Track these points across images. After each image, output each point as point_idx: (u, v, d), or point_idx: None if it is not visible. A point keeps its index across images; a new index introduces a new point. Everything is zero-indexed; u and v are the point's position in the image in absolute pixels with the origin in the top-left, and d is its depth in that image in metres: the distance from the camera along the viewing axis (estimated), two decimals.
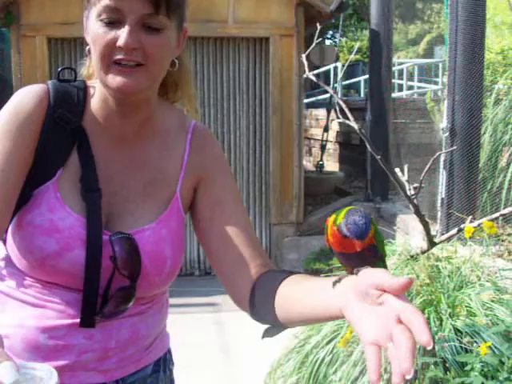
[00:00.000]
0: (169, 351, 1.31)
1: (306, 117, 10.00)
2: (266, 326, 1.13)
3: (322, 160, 8.08)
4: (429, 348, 0.73)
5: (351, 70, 15.88)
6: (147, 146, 1.19)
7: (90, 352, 1.12)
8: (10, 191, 1.06)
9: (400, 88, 11.71)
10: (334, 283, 0.90)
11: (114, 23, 1.04)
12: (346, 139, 8.40)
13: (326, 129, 8.15)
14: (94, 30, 1.05)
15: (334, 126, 8.63)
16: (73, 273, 1.09)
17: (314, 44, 2.82)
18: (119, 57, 1.04)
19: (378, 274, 0.81)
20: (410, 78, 11.92)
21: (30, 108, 1.10)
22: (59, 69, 1.18)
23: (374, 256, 0.98)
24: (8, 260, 1.13)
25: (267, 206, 6.08)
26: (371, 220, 0.95)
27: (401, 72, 11.90)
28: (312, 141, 10.11)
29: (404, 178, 3.03)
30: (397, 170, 3.11)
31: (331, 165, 9.06)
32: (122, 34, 1.03)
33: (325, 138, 8.21)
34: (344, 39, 20.68)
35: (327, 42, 20.07)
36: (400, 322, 0.76)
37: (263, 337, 1.14)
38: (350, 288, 0.84)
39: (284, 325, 1.07)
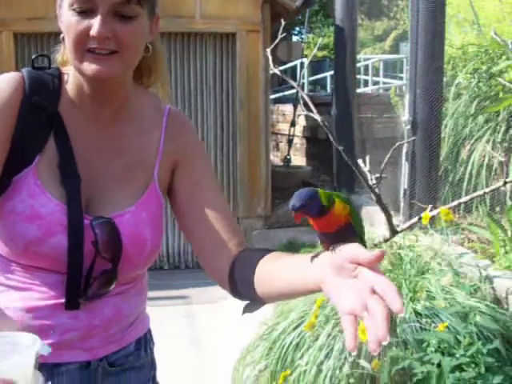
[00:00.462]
0: (149, 331, 1.35)
1: (273, 112, 10.09)
2: (245, 303, 1.17)
3: (289, 154, 8.16)
4: (401, 315, 0.80)
5: (318, 66, 16.01)
6: (124, 131, 1.22)
7: (74, 331, 1.16)
8: None
9: (366, 83, 11.87)
10: (312, 258, 0.95)
11: (87, 12, 1.06)
12: (312, 134, 8.50)
13: (292, 124, 8.24)
14: (67, 19, 1.07)
15: (301, 121, 8.73)
16: (56, 258, 1.12)
17: (278, 39, 2.90)
18: (93, 46, 1.06)
19: (352, 248, 0.86)
20: (376, 73, 12.09)
21: (6, 95, 1.12)
22: (33, 56, 1.21)
23: (350, 234, 1.01)
24: None
25: (235, 199, 6.15)
26: (315, 197, 0.99)
27: (367, 68, 12.07)
28: (279, 136, 10.19)
29: (366, 169, 3.13)
30: (359, 161, 3.21)
31: (298, 159, 9.16)
32: (95, 24, 1.05)
33: (292, 133, 8.30)
34: (311, 35, 20.83)
35: (294, 39, 20.18)
36: (374, 292, 0.80)
37: (243, 313, 1.17)
38: (327, 262, 0.89)
39: (264, 300, 1.11)
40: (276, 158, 9.77)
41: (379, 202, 3.03)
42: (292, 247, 5.44)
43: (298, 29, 19.85)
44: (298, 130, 8.77)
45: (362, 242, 1.04)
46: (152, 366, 1.36)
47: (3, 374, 0.62)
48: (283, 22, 3.10)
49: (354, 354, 0.82)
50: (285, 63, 13.95)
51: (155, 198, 1.22)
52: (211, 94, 6.01)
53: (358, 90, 8.99)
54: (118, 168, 1.20)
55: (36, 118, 1.14)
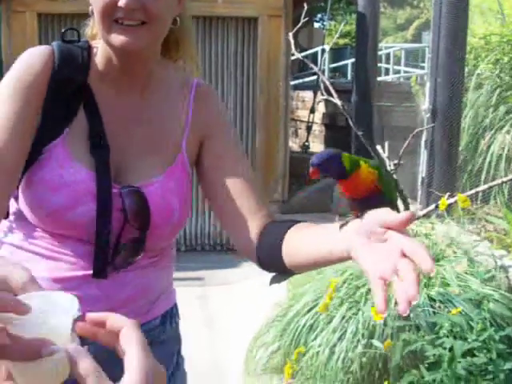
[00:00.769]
0: (175, 306, 1.36)
1: (292, 98, 10.08)
2: (272, 274, 1.17)
3: (307, 141, 8.18)
4: (432, 275, 0.78)
5: (339, 54, 15.95)
6: (152, 103, 1.23)
7: (101, 302, 1.16)
8: (19, 152, 1.10)
9: (387, 72, 11.81)
10: (341, 226, 0.95)
11: None
12: (331, 121, 8.50)
13: (312, 110, 8.25)
14: None
15: (321, 108, 8.73)
16: (84, 226, 1.13)
17: (300, 23, 2.90)
18: (120, 16, 1.07)
19: (382, 212, 0.87)
20: (397, 62, 12.02)
21: (36, 69, 1.13)
22: (63, 30, 1.21)
23: (380, 201, 0.97)
24: (19, 214, 1.17)
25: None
26: (336, 157, 0.97)
27: (388, 56, 11.99)
28: (298, 122, 10.19)
29: (385, 155, 3.14)
30: (378, 147, 3.23)
31: (317, 146, 9.16)
32: None
33: (311, 120, 8.31)
34: (333, 22, 20.71)
35: (316, 25, 20.09)
36: (404, 255, 0.80)
37: (271, 283, 1.18)
38: (355, 229, 0.90)
39: (291, 270, 1.12)
40: (294, 145, 9.78)
41: (397, 187, 3.04)
42: None
43: (319, 16, 19.75)
44: (318, 116, 8.77)
45: (394, 209, 1.00)
46: (177, 339, 1.37)
47: (43, 335, 0.61)
48: (306, 6, 3.10)
49: (385, 315, 0.83)
50: (306, 50, 13.91)
51: (183, 169, 1.23)
52: (231, 79, 6.02)
53: (379, 78, 8.94)
54: (146, 138, 1.22)
55: (66, 90, 1.15)
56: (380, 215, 0.87)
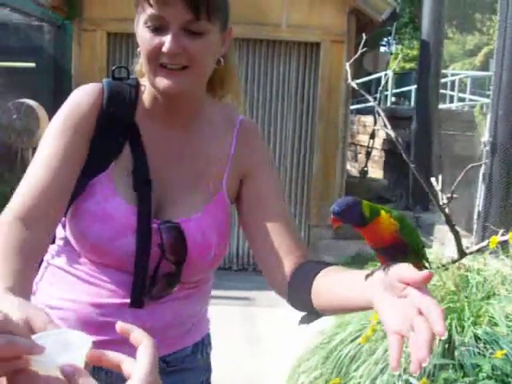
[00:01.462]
0: (208, 336, 1.39)
1: (353, 123, 10.06)
2: (302, 314, 1.18)
3: (366, 166, 8.14)
4: (442, 338, 0.80)
5: (404, 78, 15.81)
6: (196, 140, 1.27)
7: None
8: (66, 184, 1.15)
9: (451, 99, 11.64)
10: (367, 276, 0.97)
11: (159, 29, 1.11)
12: (391, 147, 8.43)
13: (372, 136, 8.21)
14: (142, 36, 1.14)
15: (381, 134, 8.68)
16: (124, 257, 1.17)
17: (358, 53, 2.93)
18: (165, 61, 1.12)
19: (402, 268, 0.88)
20: (463, 89, 11.84)
21: (85, 107, 1.19)
22: (113, 67, 1.29)
23: (402, 252, 1.00)
24: (66, 240, 1.23)
25: (307, 207, 6.19)
26: (355, 205, 1.00)
27: (453, 83, 11.83)
28: (358, 147, 10.15)
29: (438, 188, 3.11)
30: (432, 179, 3.19)
31: (376, 172, 9.10)
32: (167, 40, 1.10)
33: (371, 145, 8.26)
34: (399, 47, 20.58)
35: (382, 49, 20.00)
36: (421, 313, 0.81)
37: (300, 323, 1.20)
38: (379, 281, 0.92)
39: (319, 312, 1.13)
40: (353, 169, 9.74)
41: (448, 222, 3.00)
42: (359, 259, 5.42)
43: (385, 39, 19.66)
44: (378, 142, 8.72)
45: (420, 261, 1.04)
46: (207, 369, 1.39)
47: (57, 369, 0.67)
48: (364, 36, 3.12)
49: (396, 372, 0.85)
50: (371, 74, 13.85)
51: (222, 206, 1.26)
52: (292, 102, 6.07)
53: (442, 106, 8.84)
54: (188, 175, 1.25)
55: (113, 127, 1.21)
56: (400, 271, 0.88)
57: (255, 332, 4.49)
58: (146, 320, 1.21)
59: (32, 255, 1.05)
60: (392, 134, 2.81)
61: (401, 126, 7.40)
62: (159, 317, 1.23)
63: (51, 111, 5.84)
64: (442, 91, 8.81)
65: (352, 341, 2.95)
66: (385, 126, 2.82)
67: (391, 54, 13.16)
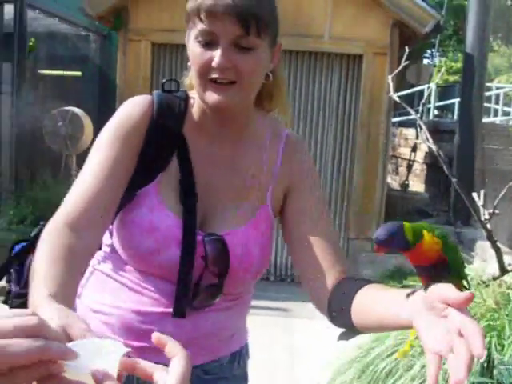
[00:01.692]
0: (246, 345, 1.41)
1: (395, 135, 9.98)
2: (341, 330, 1.19)
3: (407, 180, 8.07)
4: (481, 360, 0.81)
5: (447, 91, 15.63)
6: (242, 153, 1.29)
7: (177, 339, 1.20)
8: (115, 194, 1.17)
9: (496, 113, 11.46)
10: (408, 295, 0.98)
11: (210, 44, 1.13)
12: (433, 160, 8.34)
13: (414, 149, 8.14)
14: (193, 50, 1.16)
15: (423, 147, 8.59)
16: (168, 268, 1.20)
17: (401, 66, 2.91)
18: (214, 75, 1.14)
19: (444, 288, 0.88)
20: (508, 103, 11.65)
21: (136, 118, 1.21)
22: (164, 80, 1.30)
23: (444, 271, 1.01)
24: (112, 247, 1.26)
25: (347, 220, 6.16)
26: (398, 232, 1.00)
27: (498, 97, 11.65)
28: (400, 160, 10.07)
29: (480, 203, 3.07)
30: (474, 194, 3.15)
31: (417, 185, 9.01)
32: (217, 55, 1.12)
33: (412, 158, 8.19)
34: (443, 59, 20.36)
35: (425, 61, 19.81)
36: (461, 334, 0.81)
37: (339, 339, 1.20)
38: (420, 301, 0.92)
39: (359, 329, 1.14)
40: (394, 182, 9.66)
41: (490, 238, 2.96)
42: (398, 273, 5.37)
43: (429, 52, 19.49)
44: (420, 155, 8.64)
45: (460, 280, 1.05)
46: (244, 378, 1.42)
47: (85, 378, 0.69)
48: (407, 50, 3.10)
49: None
50: (413, 86, 13.74)
51: (266, 219, 1.28)
52: (333, 113, 6.06)
53: (486, 120, 8.71)
54: (233, 188, 1.27)
55: (162, 139, 1.23)
56: (441, 291, 0.88)
57: (292, 343, 4.49)
58: (186, 329, 1.23)
59: (78, 262, 1.07)
60: (434, 147, 2.79)
61: (443, 140, 7.33)
62: (200, 326, 1.25)
63: (96, 119, 6.03)
64: (486, 104, 8.70)
65: (389, 355, 2.92)
66: (427, 139, 2.80)
67: (434, 66, 13.04)
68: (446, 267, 1.02)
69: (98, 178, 1.15)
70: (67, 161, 7.15)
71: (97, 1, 5.81)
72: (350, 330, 1.17)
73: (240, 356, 1.38)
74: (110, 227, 1.24)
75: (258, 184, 1.29)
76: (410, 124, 10.32)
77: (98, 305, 1.27)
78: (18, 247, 1.36)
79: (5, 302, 1.36)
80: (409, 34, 5.90)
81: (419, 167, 9.04)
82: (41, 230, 1.27)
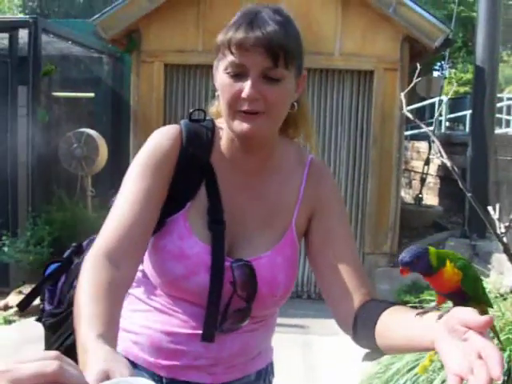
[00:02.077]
0: (271, 364, 1.44)
1: (408, 149, 9.99)
2: (366, 350, 1.26)
3: (421, 193, 8.06)
4: (498, 382, 0.84)
5: (458, 103, 15.62)
6: (267, 180, 1.33)
7: (204, 358, 1.28)
8: (148, 225, 1.21)
9: (508, 124, 11.44)
10: (418, 313, 1.04)
11: (239, 76, 1.18)
12: (446, 173, 8.34)
13: (427, 162, 8.14)
14: (222, 81, 1.21)
15: (436, 160, 8.59)
16: (198, 293, 1.24)
17: (413, 83, 2.94)
18: (244, 108, 1.19)
19: (464, 312, 0.92)
20: None
21: (166, 148, 1.26)
22: (191, 110, 1.33)
23: (462, 299, 1.06)
24: (144, 273, 1.32)
25: (362, 234, 6.17)
26: (424, 256, 1.05)
27: (510, 107, 11.64)
28: (412, 173, 10.07)
29: (495, 216, 3.07)
30: (489, 207, 3.16)
31: (430, 198, 9.00)
32: (246, 87, 1.17)
33: (425, 171, 8.19)
34: (453, 70, 20.37)
35: (435, 74, 19.82)
36: (481, 357, 0.85)
37: (363, 360, 1.28)
38: (442, 323, 0.96)
39: (382, 350, 1.17)
40: (407, 196, 9.65)
41: (506, 251, 2.96)
42: (415, 288, 5.35)
43: (439, 64, 19.51)
44: (433, 168, 8.64)
45: (479, 306, 1.07)
46: None
47: None
48: (419, 66, 3.13)
49: None
50: (424, 99, 13.75)
51: (291, 244, 1.32)
52: (345, 129, 6.09)
53: (498, 131, 8.70)
54: (259, 214, 1.31)
55: (191, 168, 1.27)
56: (463, 315, 0.92)
57: (311, 360, 4.48)
58: (213, 350, 1.28)
59: (120, 294, 1.11)
60: (448, 163, 2.81)
61: (456, 152, 7.33)
62: (226, 348, 1.30)
63: (109, 140, 6.08)
64: (497, 115, 8.70)
65: (409, 371, 2.93)
66: (440, 155, 2.82)
67: (445, 78, 13.03)
68: (463, 297, 1.06)
69: (133, 210, 1.19)
70: (82, 182, 7.22)
71: (109, 24, 5.89)
72: (374, 350, 1.20)
73: (266, 374, 1.42)
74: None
75: (283, 210, 1.33)
76: (423, 137, 10.33)
77: (130, 325, 1.32)
78: (50, 268, 1.43)
79: (39, 320, 1.43)
80: (419, 48, 5.94)
81: (432, 180, 9.03)
82: (72, 252, 1.44)
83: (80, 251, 1.43)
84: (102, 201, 7.70)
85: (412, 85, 3.26)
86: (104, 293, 1.05)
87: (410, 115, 2.81)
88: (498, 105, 9.36)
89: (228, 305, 1.25)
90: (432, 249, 1.06)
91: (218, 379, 1.32)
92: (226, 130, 1.28)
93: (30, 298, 1.45)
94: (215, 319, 1.25)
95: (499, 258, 5.31)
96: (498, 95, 8.19)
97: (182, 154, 1.27)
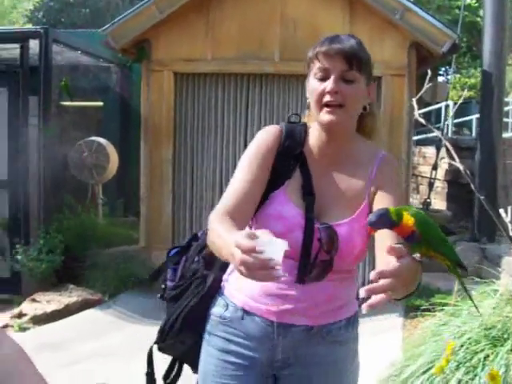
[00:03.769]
0: (356, 313, 1.79)
1: (414, 154, 10.01)
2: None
3: (429, 198, 8.08)
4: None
5: (463, 108, 15.63)
6: (346, 165, 1.73)
7: (304, 302, 1.68)
8: (255, 196, 1.66)
9: None
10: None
11: (324, 79, 1.63)
12: (454, 178, 8.37)
13: (434, 167, 8.16)
14: (312, 85, 1.66)
15: (443, 165, 8.62)
16: (293, 248, 1.52)
17: (424, 89, 2.99)
18: (327, 99, 1.62)
19: (389, 259, 1.32)
20: None
21: (270, 142, 1.72)
22: (289, 114, 1.81)
23: (416, 239, 1.36)
24: None
25: (372, 238, 6.18)
26: (385, 215, 1.37)
27: None
28: (420, 178, 10.09)
29: (507, 219, 3.12)
30: (501, 210, 3.20)
31: (438, 203, 9.02)
32: (329, 83, 1.61)
33: (433, 176, 8.21)
34: (457, 75, 20.37)
35: (439, 79, 19.84)
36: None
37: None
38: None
39: None
40: (415, 201, 9.67)
41: None
42: (425, 292, 5.38)
43: (443, 69, 19.53)
44: (440, 173, 8.66)
45: (432, 252, 1.42)
46: (356, 340, 1.80)
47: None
48: (429, 72, 3.19)
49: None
50: (429, 104, 13.77)
51: (365, 214, 1.65)
52: None
53: (506, 135, 8.73)
54: (340, 191, 1.71)
55: (288, 156, 1.72)
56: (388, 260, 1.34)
57: None
58: (308, 295, 1.67)
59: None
60: (460, 166, 2.86)
61: (463, 157, 7.35)
62: (319, 293, 1.68)
63: (118, 148, 6.14)
64: (504, 119, 8.72)
65: (424, 372, 2.95)
66: (452, 158, 2.85)
67: (449, 83, 13.07)
68: (418, 237, 1.37)
69: (244, 185, 1.66)
70: (93, 190, 7.28)
71: (120, 34, 5.96)
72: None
73: (354, 320, 1.77)
74: (250, 222, 1.71)
75: (358, 188, 1.71)
76: (429, 142, 10.36)
77: (243, 282, 1.62)
78: (173, 251, 1.93)
79: (161, 297, 1.90)
80: (426, 54, 5.97)
81: (440, 185, 9.06)
82: (191, 239, 1.94)
83: (196, 238, 1.92)
84: (112, 208, 7.76)
85: (423, 91, 3.31)
86: (230, 222, 1.55)
87: (422, 120, 2.85)
88: (505, 109, 9.38)
89: (316, 257, 1.64)
90: (391, 208, 1.38)
91: (316, 321, 1.69)
92: (314, 127, 1.72)
93: (159, 271, 1.94)
94: (306, 267, 1.64)
95: (509, 260, 5.34)
96: (505, 99, 8.21)
97: (282, 146, 1.72)
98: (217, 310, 1.78)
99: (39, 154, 6.27)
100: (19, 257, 5.99)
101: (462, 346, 2.86)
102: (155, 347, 1.91)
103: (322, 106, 1.63)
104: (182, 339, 1.85)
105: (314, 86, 1.65)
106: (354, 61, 1.61)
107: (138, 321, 5.25)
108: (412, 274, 1.34)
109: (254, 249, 1.26)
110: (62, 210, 6.69)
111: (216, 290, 1.81)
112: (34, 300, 5.60)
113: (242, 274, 1.30)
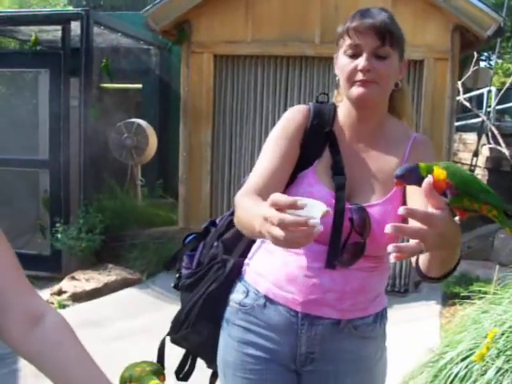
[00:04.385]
0: (385, 309, 1.69)
1: (455, 140, 9.85)
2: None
3: None
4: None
5: (506, 94, 15.30)
6: (378, 145, 1.63)
7: (332, 292, 1.56)
8: (283, 175, 1.57)
9: None
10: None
11: (355, 56, 1.53)
12: (496, 165, 8.21)
13: (475, 153, 8.03)
14: (341, 62, 1.56)
15: (484, 152, 8.47)
16: (323, 230, 1.47)
17: (470, 72, 2.92)
18: (359, 78, 1.52)
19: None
20: None
21: (297, 121, 1.63)
22: (317, 94, 1.74)
23: (453, 192, 1.23)
24: None
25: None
26: (414, 169, 1.24)
27: None
28: (459, 165, 9.93)
29: None
30: None
31: None
32: (361, 61, 1.51)
33: (474, 163, 8.08)
34: (500, 61, 19.91)
35: (482, 64, 19.42)
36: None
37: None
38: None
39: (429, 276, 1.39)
40: None
41: None
42: (464, 280, 5.32)
43: (486, 54, 19.12)
44: (481, 160, 8.51)
45: (473, 202, 1.26)
46: (384, 336, 1.70)
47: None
48: (475, 54, 3.12)
49: None
50: (471, 90, 13.50)
51: (398, 198, 1.58)
52: None
53: None
54: (371, 171, 1.61)
55: (317, 135, 1.62)
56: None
57: None
58: (338, 282, 1.56)
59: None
60: (507, 152, 2.80)
61: (506, 144, 7.21)
62: (350, 282, 1.56)
63: (157, 129, 6.20)
64: None
65: (463, 360, 2.92)
66: (497, 144, 2.79)
67: (492, 68, 12.78)
68: (456, 192, 1.25)
69: (272, 163, 1.57)
70: (132, 171, 7.35)
71: (160, 16, 5.97)
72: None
73: (382, 317, 1.66)
74: None
75: (390, 169, 1.58)
76: (470, 128, 10.16)
77: (268, 266, 1.61)
78: (190, 237, 1.83)
79: (175, 286, 1.81)
80: (469, 38, 5.85)
81: (481, 172, 8.90)
82: (209, 224, 1.86)
83: (214, 224, 1.85)
84: (151, 190, 7.84)
85: (467, 75, 3.24)
86: (259, 199, 1.42)
87: (468, 103, 2.79)
88: None
89: (347, 239, 1.54)
90: (422, 164, 1.25)
91: (345, 315, 1.58)
92: (344, 106, 1.63)
93: (175, 259, 1.84)
94: (336, 250, 1.53)
95: None
96: None
97: (310, 125, 1.62)
98: (236, 296, 1.67)
99: (80, 135, 6.35)
100: (59, 235, 6.10)
101: (502, 334, 2.81)
102: (168, 339, 1.79)
103: (353, 83, 1.53)
104: (198, 329, 1.72)
105: (344, 62, 1.55)
106: (387, 36, 1.51)
107: (176, 301, 5.29)
108: (450, 233, 1.12)
109: (294, 203, 1.11)
110: (102, 191, 6.78)
111: (237, 275, 1.69)
112: (73, 278, 5.71)
113: (275, 240, 1.15)
